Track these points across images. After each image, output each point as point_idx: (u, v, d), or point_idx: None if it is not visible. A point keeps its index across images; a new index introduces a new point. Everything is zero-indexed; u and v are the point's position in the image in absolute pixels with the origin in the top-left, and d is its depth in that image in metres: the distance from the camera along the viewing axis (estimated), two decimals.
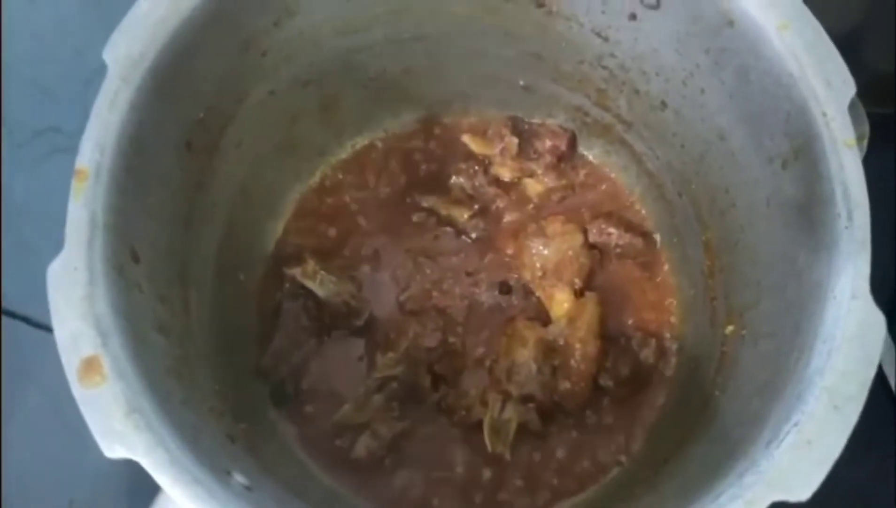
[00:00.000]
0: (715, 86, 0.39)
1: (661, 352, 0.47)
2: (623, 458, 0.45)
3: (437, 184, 0.52)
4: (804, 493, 0.27)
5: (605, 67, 0.46)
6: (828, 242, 0.32)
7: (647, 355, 0.46)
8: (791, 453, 0.28)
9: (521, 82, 0.51)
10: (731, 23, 0.37)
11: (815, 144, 0.33)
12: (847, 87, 0.33)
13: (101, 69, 0.35)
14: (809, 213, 0.33)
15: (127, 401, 0.28)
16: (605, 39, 0.44)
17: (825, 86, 0.33)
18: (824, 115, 0.33)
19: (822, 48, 0.34)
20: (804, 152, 0.34)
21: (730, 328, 0.40)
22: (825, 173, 0.32)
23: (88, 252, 0.30)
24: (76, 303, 0.30)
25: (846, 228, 0.31)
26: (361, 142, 0.53)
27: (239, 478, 0.29)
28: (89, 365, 0.29)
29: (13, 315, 0.51)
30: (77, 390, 0.29)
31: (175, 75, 0.36)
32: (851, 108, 0.33)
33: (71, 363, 0.29)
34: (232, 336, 0.44)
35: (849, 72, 0.33)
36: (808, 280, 0.33)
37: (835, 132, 0.32)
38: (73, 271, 0.30)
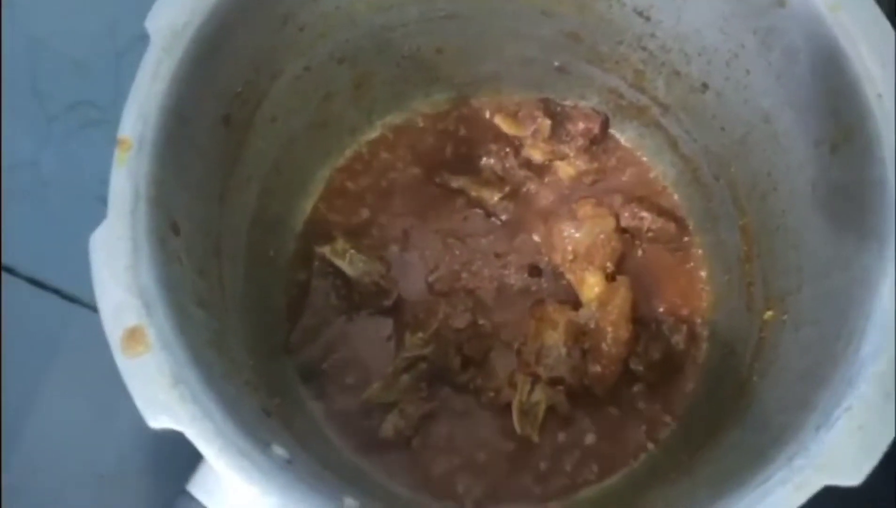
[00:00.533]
0: (761, 67, 0.39)
1: (693, 338, 0.47)
2: (652, 444, 0.44)
3: (468, 165, 0.52)
4: (855, 478, 0.26)
5: (644, 48, 0.46)
6: (879, 227, 0.31)
7: (678, 340, 0.46)
8: (842, 437, 0.27)
9: (556, 63, 0.50)
10: (781, 2, 0.36)
11: (868, 126, 0.32)
12: None
13: (134, 43, 0.34)
14: (860, 197, 0.33)
15: (172, 372, 0.28)
16: (647, 19, 0.43)
17: (880, 66, 0.32)
18: (879, 96, 0.32)
19: (876, 27, 0.33)
20: (855, 135, 0.33)
21: (769, 314, 0.40)
22: (878, 156, 0.32)
23: (132, 222, 0.30)
24: (120, 273, 0.29)
25: None
26: (392, 121, 0.52)
27: (279, 451, 0.29)
28: (133, 335, 0.29)
29: (43, 287, 0.51)
30: (120, 359, 0.29)
31: (216, 48, 0.36)
32: None
33: (114, 333, 0.29)
34: (263, 312, 0.44)
35: None
36: (856, 265, 0.32)
37: (890, 114, 0.32)
38: (116, 240, 0.30)
